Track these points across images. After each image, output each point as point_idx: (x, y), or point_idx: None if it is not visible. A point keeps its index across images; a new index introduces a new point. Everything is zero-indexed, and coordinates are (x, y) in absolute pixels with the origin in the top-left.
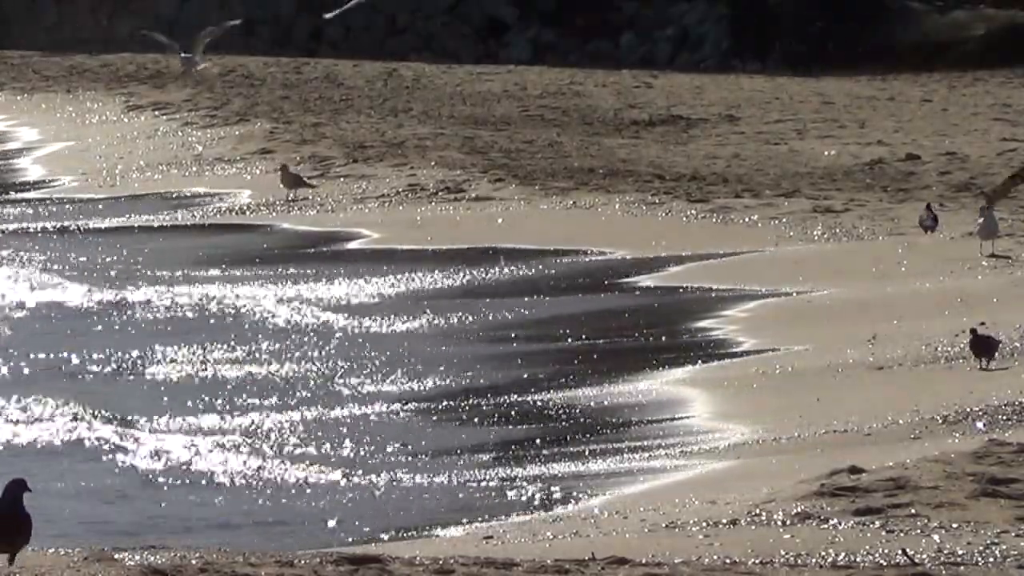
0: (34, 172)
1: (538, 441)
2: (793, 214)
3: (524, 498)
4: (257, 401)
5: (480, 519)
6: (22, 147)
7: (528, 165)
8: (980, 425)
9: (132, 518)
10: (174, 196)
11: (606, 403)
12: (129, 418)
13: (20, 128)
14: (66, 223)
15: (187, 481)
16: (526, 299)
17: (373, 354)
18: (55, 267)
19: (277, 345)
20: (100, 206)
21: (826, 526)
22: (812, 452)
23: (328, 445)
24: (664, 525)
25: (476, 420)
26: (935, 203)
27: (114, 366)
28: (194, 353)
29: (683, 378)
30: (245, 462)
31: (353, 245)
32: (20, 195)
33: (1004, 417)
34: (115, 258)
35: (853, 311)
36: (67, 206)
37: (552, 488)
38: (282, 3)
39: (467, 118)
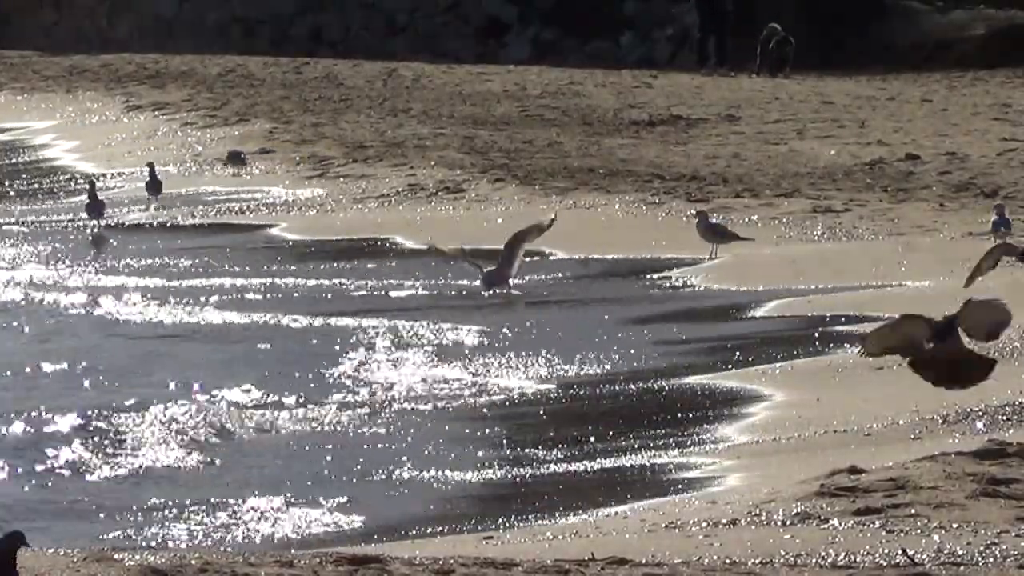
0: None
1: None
2: (793, 214)
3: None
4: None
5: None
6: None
7: (528, 165)
8: (980, 425)
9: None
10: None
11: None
12: None
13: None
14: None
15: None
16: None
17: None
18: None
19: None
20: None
21: (826, 526)
22: (812, 452)
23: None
24: (664, 525)
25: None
26: (935, 203)
27: None
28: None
29: None
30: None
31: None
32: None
33: (1004, 417)
34: None
35: (853, 310)
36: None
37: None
38: (282, 3)
39: (467, 118)
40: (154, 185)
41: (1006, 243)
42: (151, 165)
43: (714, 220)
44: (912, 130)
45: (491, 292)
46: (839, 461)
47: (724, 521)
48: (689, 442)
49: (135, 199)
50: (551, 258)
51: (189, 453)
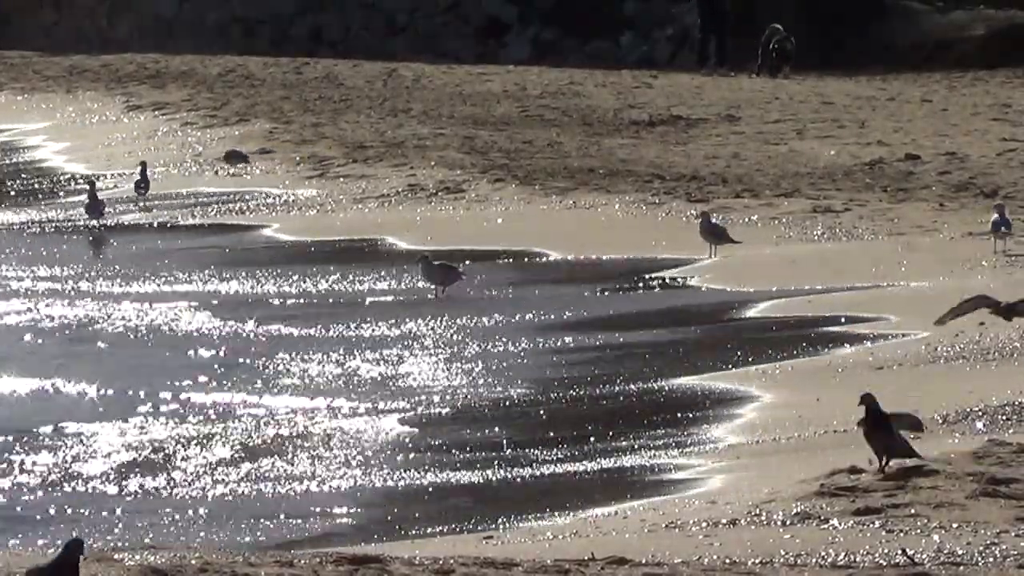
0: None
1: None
2: (793, 214)
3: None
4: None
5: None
6: (23, 147)
7: (528, 165)
8: (980, 425)
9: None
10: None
11: None
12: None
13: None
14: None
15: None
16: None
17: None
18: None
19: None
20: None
21: (826, 526)
22: (812, 452)
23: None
24: (664, 525)
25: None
26: (935, 203)
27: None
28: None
29: None
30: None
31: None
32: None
33: (1004, 417)
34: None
35: (853, 310)
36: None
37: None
38: (282, 3)
39: (467, 118)
40: (144, 184)
41: (985, 296)
42: (143, 164)
43: (715, 221)
44: (912, 130)
45: (441, 290)
46: (839, 461)
47: (724, 521)
48: (689, 442)
49: (132, 199)
50: (544, 259)
51: (179, 455)
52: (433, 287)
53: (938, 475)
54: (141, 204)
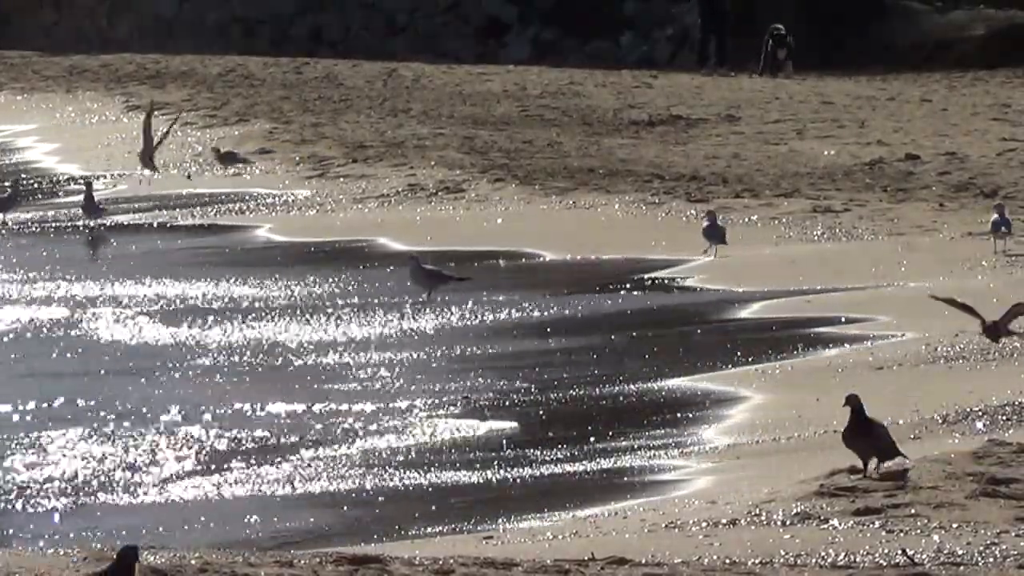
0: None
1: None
2: (793, 214)
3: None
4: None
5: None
6: (22, 147)
7: (528, 165)
8: (980, 425)
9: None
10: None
11: None
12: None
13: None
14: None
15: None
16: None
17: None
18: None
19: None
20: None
21: (826, 526)
22: (812, 452)
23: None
24: (664, 525)
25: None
26: (935, 203)
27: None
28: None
29: None
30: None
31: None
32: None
33: (1004, 417)
34: None
35: (852, 310)
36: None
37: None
38: (282, 3)
39: (467, 118)
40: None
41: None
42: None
43: (719, 223)
44: (912, 130)
45: (428, 293)
46: (839, 461)
47: (724, 521)
48: (689, 442)
49: (130, 199)
50: (542, 259)
51: (183, 457)
52: (422, 290)
53: (938, 475)
54: (143, 178)
